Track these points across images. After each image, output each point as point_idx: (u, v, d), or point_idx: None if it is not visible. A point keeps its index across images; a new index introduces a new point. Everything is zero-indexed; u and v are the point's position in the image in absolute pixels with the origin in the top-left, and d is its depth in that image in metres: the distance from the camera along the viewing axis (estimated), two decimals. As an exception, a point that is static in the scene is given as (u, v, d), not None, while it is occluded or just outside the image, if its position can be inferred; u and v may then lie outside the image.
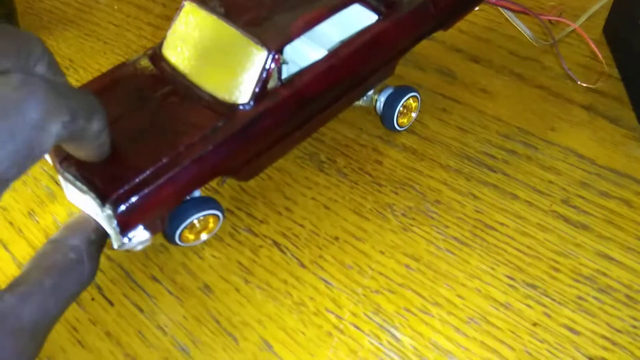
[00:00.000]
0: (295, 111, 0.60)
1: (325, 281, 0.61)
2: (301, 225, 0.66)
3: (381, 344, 0.55)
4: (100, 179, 0.51)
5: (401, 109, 0.74)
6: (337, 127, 0.77)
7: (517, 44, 0.91)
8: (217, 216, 0.62)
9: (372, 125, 0.77)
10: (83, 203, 0.52)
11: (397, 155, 0.74)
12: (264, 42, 0.57)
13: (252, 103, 0.57)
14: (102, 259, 0.63)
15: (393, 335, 0.56)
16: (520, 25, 0.90)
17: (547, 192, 0.69)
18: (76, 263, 0.49)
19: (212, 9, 0.61)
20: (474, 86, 0.84)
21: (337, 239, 0.65)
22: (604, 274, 0.61)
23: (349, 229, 0.66)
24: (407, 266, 0.62)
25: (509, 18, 0.91)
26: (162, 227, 0.56)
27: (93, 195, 0.50)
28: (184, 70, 0.61)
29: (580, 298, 0.59)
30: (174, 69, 0.61)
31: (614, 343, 0.56)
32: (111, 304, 0.59)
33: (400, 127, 0.75)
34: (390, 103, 0.72)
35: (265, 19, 0.59)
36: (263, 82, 0.57)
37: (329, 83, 0.62)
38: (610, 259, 0.62)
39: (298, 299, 0.59)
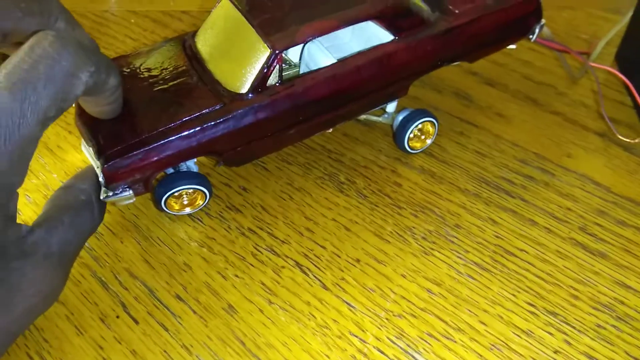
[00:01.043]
0: (289, 110, 0.63)
1: (348, 304, 0.61)
2: (322, 247, 0.67)
3: (405, 369, 0.56)
4: (103, 136, 0.59)
5: (416, 131, 0.75)
6: (356, 147, 0.78)
7: (532, 69, 0.92)
8: (205, 194, 0.68)
9: (391, 147, 0.78)
10: (89, 154, 0.60)
11: (416, 177, 0.75)
12: (270, 42, 0.60)
13: (249, 95, 0.61)
14: (125, 276, 0.63)
15: (417, 361, 0.57)
16: (564, 62, 0.91)
17: (565, 219, 0.70)
18: (87, 204, 0.58)
19: (239, 5, 0.65)
20: (490, 110, 0.85)
21: (358, 261, 0.65)
22: (622, 302, 0.62)
23: (370, 251, 0.66)
24: (429, 291, 0.62)
25: (558, 56, 0.92)
26: (147, 190, 0.62)
27: (94, 148, 0.59)
28: (204, 55, 0.66)
29: (599, 326, 0.60)
30: (197, 53, 0.66)
31: (633, 372, 0.57)
32: (136, 322, 0.59)
33: (412, 149, 0.76)
34: (404, 124, 0.73)
35: (279, 21, 0.63)
36: (263, 77, 0.61)
37: (329, 91, 0.64)
38: (627, 287, 0.63)
39: (322, 321, 0.60)
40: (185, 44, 0.68)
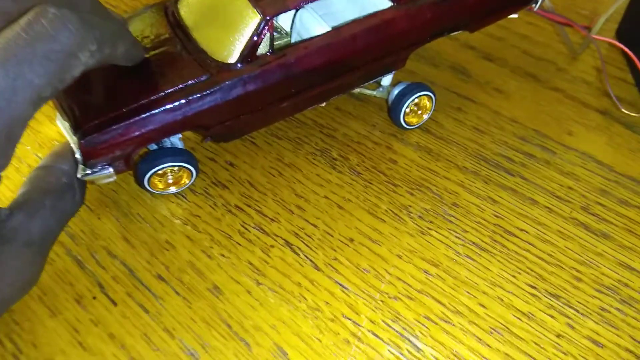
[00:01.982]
0: (281, 82, 0.59)
1: (341, 285, 0.58)
2: (314, 225, 0.63)
3: (401, 354, 0.53)
4: (79, 109, 0.54)
5: (412, 106, 0.71)
6: (349, 122, 0.74)
7: (531, 44, 0.89)
8: (191, 172, 0.64)
9: (386, 123, 0.75)
10: (64, 128, 0.56)
11: (412, 154, 0.71)
12: (259, 7, 0.56)
13: (238, 65, 0.57)
14: (103, 254, 0.59)
15: (414, 345, 0.54)
16: (565, 36, 0.87)
17: (566, 198, 0.67)
18: (69, 186, 0.54)
19: None
20: (489, 85, 0.82)
21: (352, 240, 0.62)
22: (626, 285, 0.59)
23: (364, 230, 0.63)
24: (426, 272, 0.59)
25: (559, 30, 0.88)
26: (128, 168, 0.58)
27: (70, 122, 0.54)
28: (188, 23, 0.61)
29: (603, 309, 0.57)
30: (181, 20, 0.61)
31: (637, 357, 0.54)
32: (114, 303, 0.55)
33: (408, 125, 0.72)
34: (400, 97, 0.70)
35: None
36: (252, 46, 0.56)
37: (323, 61, 0.60)
38: (631, 269, 0.61)
39: (313, 303, 0.56)
40: (168, 11, 0.63)
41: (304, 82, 0.60)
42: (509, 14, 0.72)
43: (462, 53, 0.87)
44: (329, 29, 0.60)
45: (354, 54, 0.61)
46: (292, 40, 0.63)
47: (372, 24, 0.61)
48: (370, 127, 0.74)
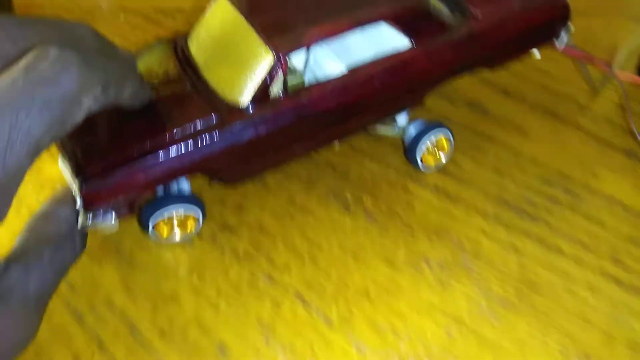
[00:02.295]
0: (294, 124, 0.56)
1: (357, 345, 0.54)
2: (327, 275, 0.60)
3: (423, 423, 0.49)
4: (82, 150, 0.51)
5: (429, 145, 0.68)
6: (363, 161, 0.71)
7: (550, 79, 0.86)
8: (197, 218, 0.60)
9: (401, 162, 0.71)
10: (66, 170, 0.53)
11: (429, 196, 0.68)
12: (273, 45, 0.53)
13: (248, 106, 0.54)
14: (103, 307, 0.56)
15: (436, 413, 0.50)
16: (586, 72, 0.84)
17: (594, 247, 0.63)
18: (69, 235, 0.51)
19: (238, 4, 0.57)
20: (508, 123, 0.79)
21: (367, 293, 0.58)
22: (661, 345, 0.55)
23: (381, 281, 0.59)
24: (448, 330, 0.55)
25: (579, 65, 0.85)
26: (131, 212, 0.55)
27: (71, 163, 0.51)
28: (198, 60, 0.58)
29: (638, 373, 0.53)
30: (191, 58, 0.58)
31: None
32: (114, 363, 0.52)
33: (425, 165, 0.69)
34: (417, 138, 0.66)
35: (283, 22, 0.55)
36: (264, 86, 0.53)
37: (337, 103, 0.57)
38: (667, 327, 0.57)
39: (327, 364, 0.53)
40: (177, 48, 0.61)
41: (318, 124, 0.58)
42: (532, 51, 0.69)
43: (479, 88, 0.83)
44: (343, 68, 0.57)
45: (370, 96, 0.58)
46: (306, 78, 0.60)
47: (389, 64, 0.58)
48: (385, 166, 0.71)
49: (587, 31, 0.97)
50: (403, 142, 0.70)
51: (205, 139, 0.52)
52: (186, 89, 0.56)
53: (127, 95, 0.49)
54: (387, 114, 0.63)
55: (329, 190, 0.68)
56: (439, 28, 0.59)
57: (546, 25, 0.65)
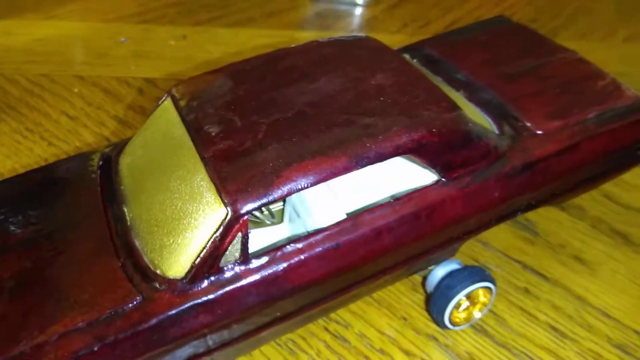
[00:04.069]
0: (260, 305, 0.36)
1: None
2: None
3: None
4: None
5: (463, 298, 0.48)
6: (369, 313, 0.52)
7: (615, 185, 0.66)
8: None
9: (422, 315, 0.52)
10: None
11: (460, 372, 0.48)
12: (229, 196, 0.34)
13: (185, 283, 0.34)
14: None
15: None
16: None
17: None
18: None
19: (186, 114, 0.38)
20: (564, 249, 0.59)
21: None
22: None
23: None
24: None
25: None
26: None
27: None
28: (127, 193, 0.39)
29: None
30: (119, 186, 0.40)
31: None
32: None
33: (454, 325, 0.49)
34: (447, 290, 0.47)
35: (249, 154, 0.36)
36: (211, 254, 0.34)
37: (328, 271, 0.37)
38: None
39: None
40: (103, 166, 0.43)
41: (298, 302, 0.38)
42: (610, 180, 0.49)
43: (524, 197, 0.64)
44: (342, 216, 0.38)
45: (378, 256, 0.39)
46: (285, 226, 0.42)
47: (409, 210, 0.39)
48: (399, 322, 0.51)
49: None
50: (425, 286, 0.51)
51: (112, 341, 0.33)
52: (101, 242, 0.37)
53: None
54: (404, 276, 0.44)
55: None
56: (481, 154, 0.40)
57: (635, 145, 0.46)
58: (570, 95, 0.45)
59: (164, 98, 0.42)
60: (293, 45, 0.46)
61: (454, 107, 0.39)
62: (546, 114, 0.43)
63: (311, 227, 0.39)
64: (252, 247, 0.40)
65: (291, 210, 0.42)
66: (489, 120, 0.43)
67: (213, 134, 0.37)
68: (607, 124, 0.43)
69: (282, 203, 0.44)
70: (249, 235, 0.35)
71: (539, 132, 0.42)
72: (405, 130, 0.37)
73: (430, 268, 0.49)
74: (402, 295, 0.53)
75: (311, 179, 0.34)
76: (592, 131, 0.43)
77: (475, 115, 0.43)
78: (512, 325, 0.52)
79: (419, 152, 0.37)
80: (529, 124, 0.42)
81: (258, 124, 0.37)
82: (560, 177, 0.43)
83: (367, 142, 0.36)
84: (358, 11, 1.01)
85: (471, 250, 0.58)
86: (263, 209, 0.41)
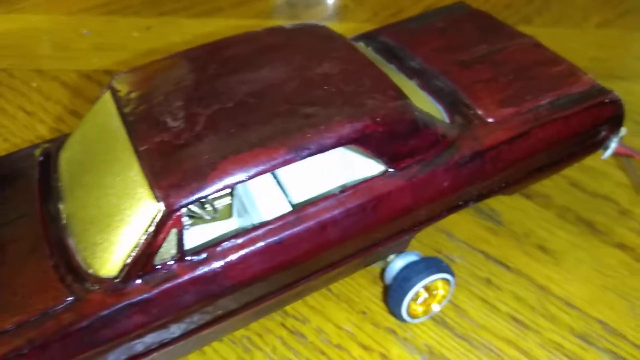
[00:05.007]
0: (196, 306, 0.35)
1: None
2: None
3: None
4: None
5: (420, 290, 0.47)
6: (327, 307, 0.51)
7: (582, 173, 0.65)
8: None
9: (382, 308, 0.51)
10: None
11: (418, 366, 0.47)
12: (161, 190, 0.33)
13: (118, 282, 0.33)
14: None
15: None
16: (629, 165, 0.63)
17: None
18: None
19: (123, 107, 0.37)
20: (528, 240, 0.58)
21: None
22: None
23: None
24: None
25: (626, 163, 0.64)
26: None
27: None
28: (63, 190, 0.38)
29: None
30: (57, 182, 0.39)
31: None
32: None
33: (412, 317, 0.48)
34: (403, 282, 0.46)
35: (185, 146, 0.35)
36: (143, 251, 0.33)
37: (270, 266, 0.36)
38: None
39: None
40: (44, 161, 0.41)
41: (239, 300, 0.37)
42: (566, 167, 0.48)
43: (489, 186, 0.63)
44: (287, 209, 0.37)
45: (323, 251, 0.38)
46: (234, 220, 0.41)
47: (355, 202, 0.37)
48: (358, 316, 0.50)
49: (626, 101, 0.78)
50: (383, 278, 0.50)
51: (42, 342, 0.32)
52: (36, 241, 0.36)
53: None
54: (354, 270, 0.43)
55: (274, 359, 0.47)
56: (429, 143, 0.38)
57: (590, 132, 0.45)
58: (523, 82, 0.43)
59: (104, 90, 0.41)
60: (241, 33, 0.45)
61: (401, 95, 0.38)
62: (498, 101, 0.42)
63: (257, 221, 0.38)
64: (197, 243, 0.38)
65: (239, 204, 0.41)
66: (440, 108, 0.42)
67: (149, 127, 0.35)
68: (560, 111, 0.42)
69: (230, 197, 0.43)
70: (195, 230, 0.34)
71: (490, 119, 0.41)
72: (347, 120, 0.35)
73: (388, 260, 0.48)
74: (363, 289, 0.52)
75: (248, 171, 0.33)
76: (545, 118, 0.42)
77: (426, 104, 0.42)
78: (473, 317, 0.51)
79: (363, 142, 0.36)
80: (480, 112, 0.41)
81: (197, 115, 0.36)
82: (511, 166, 0.42)
83: (307, 133, 0.35)
84: (329, 0, 0.99)
85: (435, 241, 0.57)
86: (205, 203, 0.40)
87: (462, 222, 0.59)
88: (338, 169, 0.42)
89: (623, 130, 0.47)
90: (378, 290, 0.52)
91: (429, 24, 0.52)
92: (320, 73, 0.39)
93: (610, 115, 0.45)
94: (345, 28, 0.96)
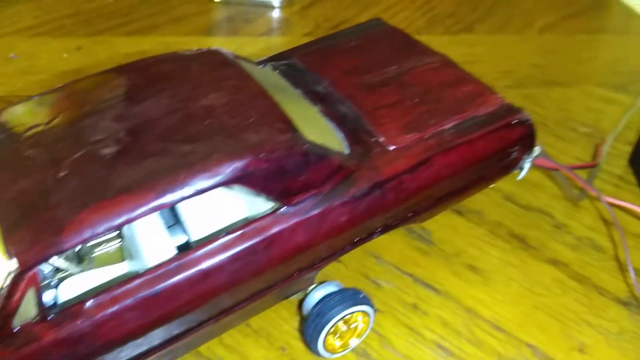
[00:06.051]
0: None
1: None
2: None
3: None
4: None
5: (340, 323, 0.45)
6: (244, 346, 0.48)
7: (516, 186, 0.64)
8: None
9: (302, 342, 0.49)
10: None
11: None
12: (13, 245, 0.30)
13: None
14: None
15: None
16: (562, 179, 0.62)
17: None
18: None
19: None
20: (458, 258, 0.56)
21: None
22: None
23: None
24: None
25: (558, 177, 0.63)
26: None
27: None
28: None
29: None
30: None
31: None
32: None
33: (329, 353, 0.46)
34: (319, 313, 0.43)
35: (45, 195, 0.32)
36: (4, 312, 0.30)
37: (148, 324, 0.34)
38: None
39: None
40: None
41: (121, 355, 0.34)
42: (481, 190, 0.47)
43: (421, 205, 0.62)
44: (171, 252, 0.35)
45: (210, 298, 0.35)
46: (125, 265, 0.38)
47: (241, 245, 0.35)
48: (276, 352, 0.48)
49: (562, 107, 0.77)
50: (301, 309, 0.47)
51: None
52: None
53: None
54: (268, 305, 0.40)
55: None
56: (323, 177, 0.36)
57: (500, 155, 0.43)
58: (430, 105, 0.42)
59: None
60: (135, 61, 0.42)
61: (289, 128, 0.36)
62: (401, 127, 0.40)
63: (142, 266, 0.36)
64: (75, 295, 0.36)
65: (127, 247, 0.38)
66: (341, 137, 0.40)
67: (10, 173, 0.33)
68: (465, 135, 0.40)
69: (119, 239, 0.40)
70: (74, 281, 0.31)
71: (392, 147, 0.39)
72: (227, 158, 0.33)
73: (307, 290, 0.46)
74: (284, 322, 0.50)
75: (112, 221, 0.31)
76: (448, 144, 0.40)
77: (326, 133, 0.39)
78: (396, 346, 0.49)
79: (246, 180, 0.34)
80: (382, 139, 0.39)
81: (63, 159, 0.33)
82: (415, 195, 0.40)
83: (181, 174, 0.32)
84: (271, 13, 0.97)
85: (362, 265, 0.55)
86: (70, 255, 0.37)
87: (391, 243, 0.57)
88: (240, 202, 0.40)
89: (537, 150, 0.46)
90: (296, 322, 0.50)
91: (342, 43, 0.50)
92: (205, 105, 0.36)
93: (520, 136, 0.43)
94: (283, 42, 0.94)
